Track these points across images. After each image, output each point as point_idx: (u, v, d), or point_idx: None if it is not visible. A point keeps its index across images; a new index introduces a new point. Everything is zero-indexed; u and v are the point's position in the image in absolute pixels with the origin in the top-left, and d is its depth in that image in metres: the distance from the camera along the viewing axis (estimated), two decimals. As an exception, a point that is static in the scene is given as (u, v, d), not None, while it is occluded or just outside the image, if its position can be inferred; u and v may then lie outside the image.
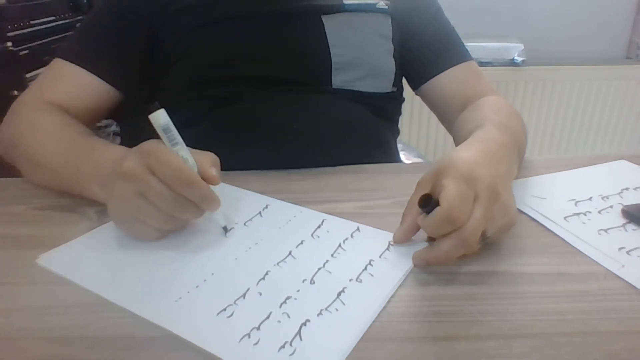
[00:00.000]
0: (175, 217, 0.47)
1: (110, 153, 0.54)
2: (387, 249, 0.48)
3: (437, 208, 0.43)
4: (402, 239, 0.49)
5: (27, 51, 1.28)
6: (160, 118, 0.46)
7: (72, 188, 0.58)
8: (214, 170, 0.48)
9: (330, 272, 0.45)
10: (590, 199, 0.58)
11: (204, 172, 0.48)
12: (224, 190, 0.60)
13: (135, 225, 0.48)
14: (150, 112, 0.46)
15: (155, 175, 0.45)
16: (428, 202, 0.44)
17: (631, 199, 0.57)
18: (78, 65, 0.70)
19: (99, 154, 0.55)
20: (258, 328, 0.38)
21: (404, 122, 0.87)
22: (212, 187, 0.47)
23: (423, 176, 0.49)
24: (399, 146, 0.88)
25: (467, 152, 0.49)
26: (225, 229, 0.51)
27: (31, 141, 0.63)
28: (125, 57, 0.73)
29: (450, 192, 0.43)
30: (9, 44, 1.24)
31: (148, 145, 0.47)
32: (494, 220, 0.45)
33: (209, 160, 0.49)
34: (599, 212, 0.55)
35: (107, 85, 0.71)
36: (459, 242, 0.43)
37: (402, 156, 1.28)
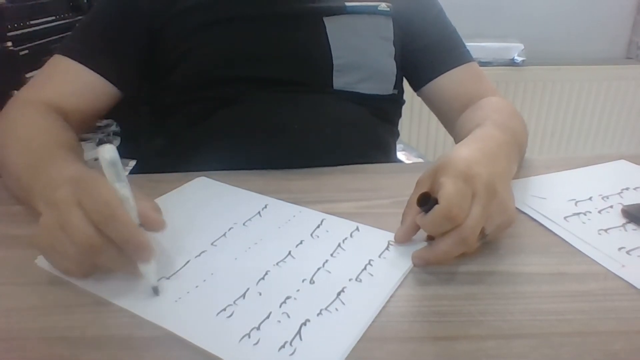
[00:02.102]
0: (94, 257, 0.41)
1: (64, 173, 0.47)
2: (387, 248, 0.48)
3: (436, 206, 0.43)
4: (403, 239, 0.49)
5: (27, 51, 1.28)
6: (109, 151, 0.42)
7: (27, 201, 0.54)
8: (156, 215, 0.43)
9: (329, 272, 0.45)
10: (590, 198, 0.58)
11: (145, 214, 0.42)
12: (224, 190, 0.60)
13: (55, 258, 0.42)
14: (100, 143, 0.43)
15: (80, 208, 0.40)
16: (427, 201, 0.44)
17: (631, 199, 0.57)
18: (77, 61, 0.69)
19: (56, 172, 0.49)
20: (258, 328, 0.38)
21: (404, 122, 0.87)
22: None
23: (422, 175, 0.49)
24: (399, 146, 0.88)
25: (465, 150, 0.49)
26: (155, 290, 0.42)
27: (3, 143, 0.60)
28: (124, 55, 0.73)
29: (448, 190, 0.43)
30: (9, 44, 1.24)
31: (86, 174, 0.43)
32: (493, 218, 0.45)
33: (151, 205, 0.44)
34: (599, 212, 0.55)
35: (106, 82, 0.70)
36: (458, 241, 0.43)
37: (403, 156, 1.29)
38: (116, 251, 0.40)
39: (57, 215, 0.41)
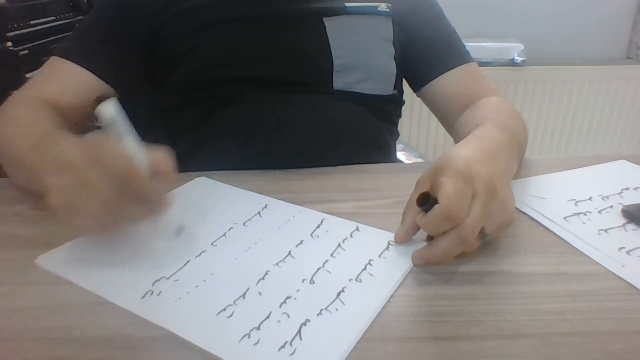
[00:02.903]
0: (115, 212, 0.43)
1: (71, 142, 0.48)
2: (387, 248, 0.48)
3: (436, 206, 0.43)
4: (403, 239, 0.49)
5: (27, 51, 1.28)
6: (107, 110, 0.43)
7: (32, 183, 0.54)
8: (167, 164, 0.45)
9: (329, 272, 0.45)
10: (590, 199, 0.58)
11: (157, 166, 0.45)
12: (224, 191, 0.60)
13: (75, 216, 0.43)
14: (100, 102, 0.43)
15: (96, 167, 0.42)
16: (426, 201, 0.44)
17: (631, 199, 0.57)
18: (73, 62, 0.70)
19: (61, 149, 0.49)
20: (258, 328, 0.38)
21: (404, 122, 0.87)
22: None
23: (422, 175, 0.49)
24: (399, 146, 0.88)
25: (464, 150, 0.49)
26: (178, 230, 0.46)
27: (5, 135, 0.61)
28: (122, 55, 0.73)
29: (448, 190, 0.43)
30: (9, 44, 1.24)
31: (94, 136, 0.44)
32: (492, 217, 0.45)
33: (161, 155, 0.46)
34: (599, 212, 0.55)
35: (102, 82, 0.71)
36: (458, 240, 0.43)
37: (403, 156, 1.29)
38: (137, 205, 0.43)
39: (74, 175, 0.42)
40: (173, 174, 0.45)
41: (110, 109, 0.43)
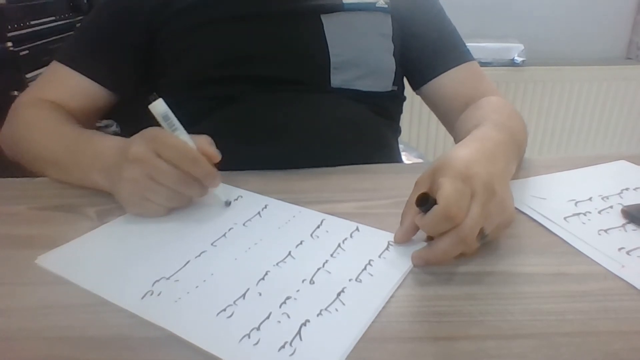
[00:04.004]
0: (181, 194, 0.52)
1: (107, 143, 0.58)
2: (387, 248, 0.48)
3: (435, 206, 0.43)
4: (402, 240, 0.49)
5: (27, 51, 1.28)
6: (159, 107, 0.51)
7: (73, 177, 0.61)
8: (213, 148, 0.53)
9: (329, 272, 0.45)
10: (590, 199, 0.58)
11: (204, 151, 0.52)
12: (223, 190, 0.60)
13: (145, 204, 0.52)
14: (149, 103, 0.50)
15: (162, 158, 0.49)
16: (425, 201, 0.44)
17: (631, 199, 0.57)
18: (71, 68, 0.72)
19: (98, 144, 0.58)
20: (258, 328, 0.38)
21: (404, 122, 0.86)
22: None
23: (421, 176, 0.49)
24: (400, 146, 0.88)
25: (463, 151, 0.49)
26: (227, 203, 0.56)
27: (30, 139, 0.66)
28: (119, 58, 0.74)
29: (446, 190, 0.43)
30: (9, 44, 1.24)
31: (151, 132, 0.51)
32: (492, 217, 0.45)
33: (206, 141, 0.54)
34: (599, 212, 0.55)
35: (100, 87, 0.73)
36: (457, 240, 0.43)
37: (403, 156, 1.28)
38: (197, 183, 0.52)
39: (142, 169, 0.49)
40: (219, 156, 0.53)
41: (162, 106, 0.51)
